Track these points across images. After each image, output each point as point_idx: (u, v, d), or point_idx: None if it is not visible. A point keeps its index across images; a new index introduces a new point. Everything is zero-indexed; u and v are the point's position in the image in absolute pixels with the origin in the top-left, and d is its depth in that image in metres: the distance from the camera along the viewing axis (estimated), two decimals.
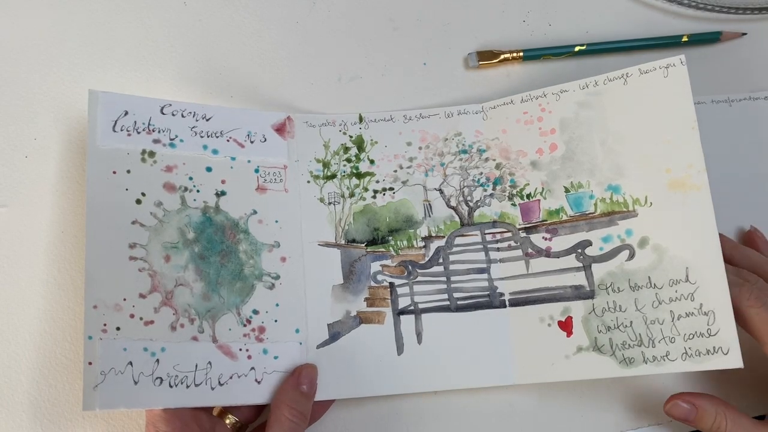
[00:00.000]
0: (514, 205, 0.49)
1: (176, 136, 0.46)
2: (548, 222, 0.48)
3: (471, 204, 0.49)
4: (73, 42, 0.52)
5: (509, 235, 0.48)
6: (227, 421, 0.43)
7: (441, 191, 0.49)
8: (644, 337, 0.44)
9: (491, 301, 0.47)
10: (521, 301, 0.47)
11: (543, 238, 0.48)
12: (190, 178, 0.45)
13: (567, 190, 0.47)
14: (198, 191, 0.46)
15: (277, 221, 0.47)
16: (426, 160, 0.50)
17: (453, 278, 0.48)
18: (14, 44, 0.52)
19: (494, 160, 0.50)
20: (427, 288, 0.48)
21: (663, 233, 0.44)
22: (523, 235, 0.48)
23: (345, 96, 0.53)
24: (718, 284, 0.42)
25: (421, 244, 0.48)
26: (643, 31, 0.55)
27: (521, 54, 0.54)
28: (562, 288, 0.46)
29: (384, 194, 0.49)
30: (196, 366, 0.42)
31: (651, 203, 0.45)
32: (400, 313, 0.47)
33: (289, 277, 0.46)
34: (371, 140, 0.50)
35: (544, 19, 0.56)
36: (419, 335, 0.47)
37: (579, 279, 0.46)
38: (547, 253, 0.47)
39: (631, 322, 0.44)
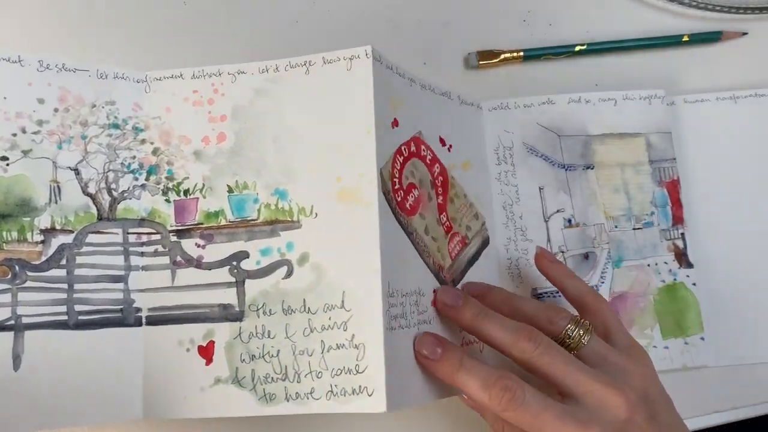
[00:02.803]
0: (168, 201, 0.40)
1: None
2: (204, 226, 0.40)
3: (115, 194, 0.40)
4: None
5: (158, 237, 0.40)
6: None
7: (77, 171, 0.39)
8: (290, 370, 0.37)
9: (124, 317, 0.39)
10: (161, 319, 0.39)
11: (196, 244, 0.40)
12: None
13: (230, 190, 0.40)
14: None
15: None
16: (62, 128, 0.40)
17: (77, 286, 0.38)
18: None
19: (152, 143, 0.41)
20: (38, 297, 0.37)
21: (324, 250, 0.38)
22: (174, 239, 0.40)
23: None
24: (372, 314, 0.36)
25: (39, 238, 0.38)
26: (643, 31, 0.55)
27: (521, 54, 0.53)
28: (208, 306, 0.39)
29: None
30: None
31: (316, 214, 0.38)
32: None
33: None
34: None
35: (544, 19, 0.55)
36: (17, 359, 0.36)
37: (229, 297, 0.39)
38: (198, 264, 0.39)
39: (279, 351, 0.38)
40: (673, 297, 0.48)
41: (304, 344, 0.37)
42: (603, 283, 0.48)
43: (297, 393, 0.37)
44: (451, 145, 0.45)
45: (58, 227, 0.38)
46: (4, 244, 0.37)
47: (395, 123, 0.40)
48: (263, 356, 0.38)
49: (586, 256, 0.49)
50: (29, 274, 0.37)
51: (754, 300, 0.50)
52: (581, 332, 0.39)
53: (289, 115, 0.40)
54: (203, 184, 0.40)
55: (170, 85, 0.41)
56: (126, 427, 0.42)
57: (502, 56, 0.53)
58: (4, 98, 0.38)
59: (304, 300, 0.38)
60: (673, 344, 0.47)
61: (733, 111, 0.53)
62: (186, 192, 0.40)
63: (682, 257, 0.49)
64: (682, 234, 0.49)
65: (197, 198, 0.40)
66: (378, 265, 0.37)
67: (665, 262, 0.49)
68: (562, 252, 0.49)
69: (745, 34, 0.56)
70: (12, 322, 0.37)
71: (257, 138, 0.40)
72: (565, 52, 0.54)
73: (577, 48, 0.54)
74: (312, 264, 0.38)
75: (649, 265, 0.49)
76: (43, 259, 0.38)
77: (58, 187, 0.39)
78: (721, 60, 0.56)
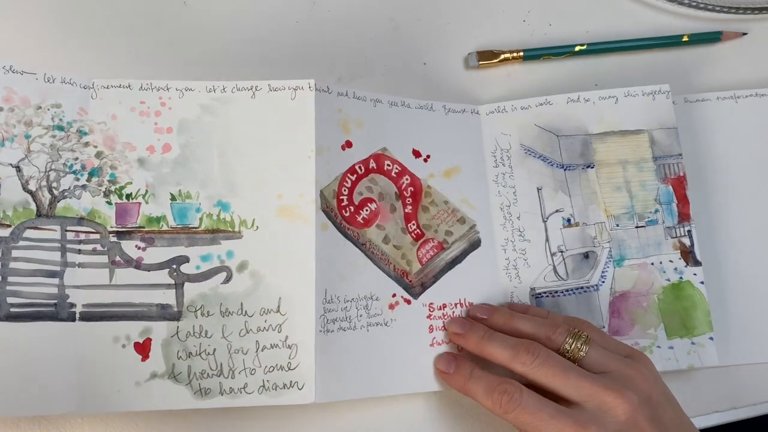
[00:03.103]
0: (109, 203, 0.42)
1: None
2: (146, 230, 0.42)
3: (56, 192, 0.41)
4: None
5: (97, 237, 0.41)
6: None
7: (18, 168, 0.40)
8: (225, 367, 0.41)
9: (57, 312, 0.39)
10: (96, 315, 0.40)
11: (136, 246, 0.42)
12: None
13: (173, 198, 0.43)
14: None
15: None
16: (6, 126, 0.40)
17: (11, 279, 0.39)
18: None
19: (96, 146, 0.42)
20: None
21: (263, 260, 0.42)
22: (114, 239, 0.41)
23: None
24: (305, 318, 0.41)
25: None
26: (643, 31, 0.55)
27: (521, 54, 0.53)
28: (146, 305, 0.41)
29: None
30: None
31: (257, 227, 0.43)
32: None
33: None
34: None
35: (544, 19, 0.55)
36: None
37: (168, 297, 0.41)
38: (138, 265, 0.41)
39: (215, 349, 0.41)
40: (679, 296, 0.47)
41: (240, 344, 0.41)
42: (603, 282, 0.48)
43: (231, 388, 0.40)
44: (428, 156, 0.48)
45: None
46: None
47: (348, 145, 0.45)
48: (200, 354, 0.41)
49: (585, 256, 0.48)
50: None
51: (763, 298, 0.49)
52: (579, 344, 0.40)
53: (234, 133, 0.44)
54: (146, 190, 0.42)
55: (117, 93, 0.43)
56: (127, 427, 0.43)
57: (502, 56, 0.53)
58: None
59: (242, 304, 0.42)
60: (679, 344, 0.46)
61: (734, 110, 0.53)
62: (129, 196, 0.42)
63: (689, 255, 0.48)
64: (689, 231, 0.48)
65: (139, 203, 0.42)
66: (312, 275, 0.42)
67: (670, 261, 0.48)
68: (561, 252, 0.48)
69: (745, 34, 0.56)
70: None
71: (202, 151, 0.43)
72: (565, 52, 0.54)
73: (577, 48, 0.54)
74: (251, 271, 0.42)
75: (652, 264, 0.48)
76: None
77: None
78: (721, 60, 0.55)
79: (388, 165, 0.47)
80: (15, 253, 0.39)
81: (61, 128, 0.42)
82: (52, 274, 0.40)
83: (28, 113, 0.41)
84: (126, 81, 0.43)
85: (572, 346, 0.40)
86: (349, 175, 0.45)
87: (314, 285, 0.42)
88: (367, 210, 0.45)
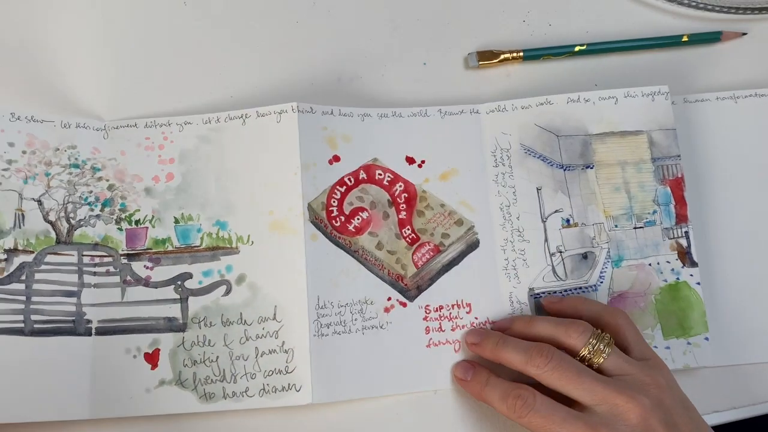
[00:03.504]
0: (120, 229, 0.46)
1: None
2: (153, 251, 0.46)
3: (73, 222, 0.46)
4: None
5: (110, 259, 0.46)
6: None
7: (40, 202, 0.45)
8: (227, 372, 0.44)
9: (75, 327, 0.44)
10: (109, 330, 0.44)
11: (145, 266, 0.46)
12: None
13: (177, 221, 0.47)
14: None
15: None
16: (29, 167, 0.45)
17: (35, 299, 0.43)
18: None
19: (108, 180, 0.47)
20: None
21: (259, 272, 0.45)
22: (125, 261, 0.46)
23: (345, 96, 0.51)
24: (300, 324, 0.44)
25: (3, 256, 0.43)
26: (643, 31, 0.55)
27: (521, 54, 0.53)
28: (155, 319, 0.45)
29: None
30: None
31: (253, 242, 0.46)
32: None
33: None
34: None
35: (544, 19, 0.55)
36: None
37: (174, 311, 0.45)
38: (146, 283, 0.45)
39: (218, 357, 0.44)
40: (676, 296, 0.47)
41: (240, 350, 0.44)
42: (602, 282, 0.48)
43: (233, 392, 0.43)
44: (423, 161, 0.49)
45: (20, 248, 0.44)
46: None
47: (335, 159, 0.48)
48: (204, 361, 0.44)
49: (584, 256, 0.48)
50: None
51: (759, 299, 0.49)
52: (602, 346, 0.40)
53: (228, 158, 0.48)
54: (153, 216, 0.47)
55: (125, 132, 0.48)
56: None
57: (502, 56, 0.53)
58: None
59: (241, 313, 0.45)
60: (675, 344, 0.47)
61: (734, 111, 0.53)
62: (137, 222, 0.47)
63: (685, 256, 0.48)
64: (686, 232, 0.48)
65: (147, 227, 0.46)
66: (304, 283, 0.45)
67: (668, 261, 0.48)
68: (560, 252, 0.49)
69: (744, 34, 0.56)
70: None
71: (201, 178, 0.47)
72: (564, 52, 0.54)
73: (577, 48, 0.54)
74: (248, 283, 0.45)
75: (650, 265, 0.48)
76: (5, 274, 0.43)
77: (23, 215, 0.44)
78: (721, 60, 0.55)
79: (380, 174, 0.49)
80: (38, 276, 0.44)
81: (76, 166, 0.47)
82: (70, 294, 0.44)
83: (48, 155, 0.46)
84: (133, 121, 0.48)
85: (595, 348, 0.41)
86: (338, 187, 0.48)
87: (306, 292, 0.45)
88: (358, 219, 0.48)
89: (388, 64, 0.53)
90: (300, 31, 0.53)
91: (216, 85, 0.51)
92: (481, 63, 0.53)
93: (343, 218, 0.47)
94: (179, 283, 0.45)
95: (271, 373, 0.44)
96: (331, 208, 0.47)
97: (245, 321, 0.45)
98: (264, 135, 0.47)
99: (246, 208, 0.47)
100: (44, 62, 0.50)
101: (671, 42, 0.55)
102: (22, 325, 0.42)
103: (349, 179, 0.48)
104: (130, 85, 0.51)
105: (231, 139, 0.48)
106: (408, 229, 0.48)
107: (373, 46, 0.53)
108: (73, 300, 0.44)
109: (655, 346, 0.46)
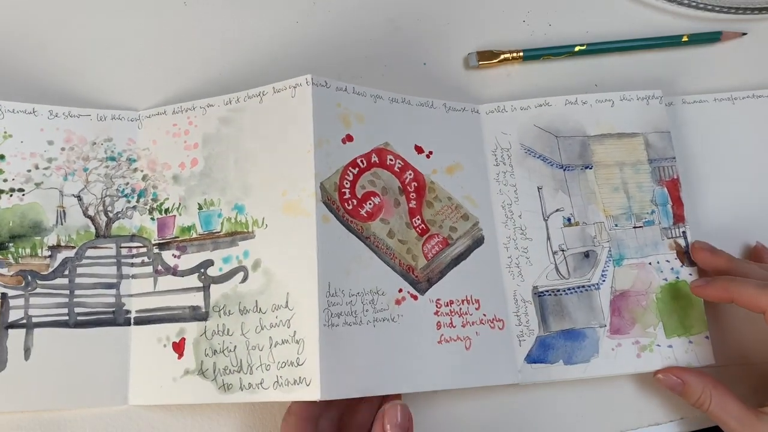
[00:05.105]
0: (152, 219, 0.47)
1: None
2: (180, 239, 0.46)
3: (111, 215, 0.47)
4: None
5: (144, 250, 0.47)
6: None
7: (80, 198, 0.47)
8: (244, 363, 0.42)
9: (115, 318, 0.45)
10: (145, 319, 0.45)
11: (173, 255, 0.46)
12: None
13: (200, 207, 0.46)
14: None
15: None
16: (68, 163, 0.48)
17: (77, 292, 0.46)
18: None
19: (142, 171, 0.48)
20: (45, 301, 0.45)
21: (273, 257, 0.43)
22: (156, 251, 0.46)
23: None
24: (310, 312, 0.41)
25: (47, 253, 0.46)
26: (643, 31, 0.55)
27: (521, 54, 0.54)
28: (181, 308, 0.45)
29: (11, 195, 0.46)
30: None
31: (267, 225, 0.44)
32: (9, 326, 0.44)
33: None
34: (5, 133, 0.47)
35: (544, 19, 0.56)
36: (27, 351, 0.44)
37: (197, 299, 0.44)
38: (174, 271, 0.46)
39: (236, 346, 0.43)
40: (676, 295, 0.48)
41: (256, 340, 0.42)
42: (604, 281, 0.48)
43: (250, 383, 0.42)
44: (431, 152, 0.48)
45: (62, 244, 0.46)
46: (19, 259, 0.46)
47: (348, 138, 0.45)
48: (223, 351, 0.43)
49: (586, 255, 0.49)
50: (38, 282, 0.45)
51: None
52: None
53: (246, 139, 0.45)
54: (179, 203, 0.46)
55: (156, 121, 0.48)
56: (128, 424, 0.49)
57: (502, 56, 0.53)
58: (21, 142, 0.47)
59: (257, 301, 0.43)
60: (677, 343, 0.47)
61: (731, 112, 0.53)
62: (166, 210, 0.47)
63: (684, 255, 0.49)
64: (684, 232, 0.49)
65: (174, 215, 0.46)
66: (315, 268, 0.41)
67: (667, 260, 0.49)
68: (563, 250, 0.49)
69: (744, 34, 0.56)
70: (24, 321, 0.45)
71: (222, 160, 0.46)
72: (564, 52, 0.54)
73: (577, 48, 0.54)
74: (263, 269, 0.43)
75: (650, 264, 0.49)
76: (50, 270, 0.46)
77: (64, 212, 0.47)
78: (720, 60, 0.55)
79: (391, 160, 0.46)
80: (79, 270, 0.46)
81: (113, 158, 0.48)
82: (110, 286, 0.46)
83: (85, 149, 0.48)
84: (162, 108, 0.48)
85: None
86: (350, 168, 0.44)
87: (317, 277, 0.41)
88: (370, 204, 0.44)
89: (388, 64, 0.53)
90: (300, 31, 0.53)
91: (216, 84, 0.51)
92: (481, 63, 0.53)
93: (355, 201, 0.43)
94: (202, 270, 0.45)
95: (284, 365, 0.41)
96: (343, 190, 0.43)
97: (260, 309, 0.43)
98: (280, 112, 0.45)
99: (261, 189, 0.44)
100: (72, 57, 0.52)
101: (671, 42, 0.55)
102: (67, 317, 0.45)
103: (362, 161, 0.44)
104: (160, 74, 0.51)
105: (249, 118, 0.46)
106: (418, 219, 0.45)
107: (373, 46, 0.53)
108: (113, 292, 0.46)
109: (658, 345, 0.47)
